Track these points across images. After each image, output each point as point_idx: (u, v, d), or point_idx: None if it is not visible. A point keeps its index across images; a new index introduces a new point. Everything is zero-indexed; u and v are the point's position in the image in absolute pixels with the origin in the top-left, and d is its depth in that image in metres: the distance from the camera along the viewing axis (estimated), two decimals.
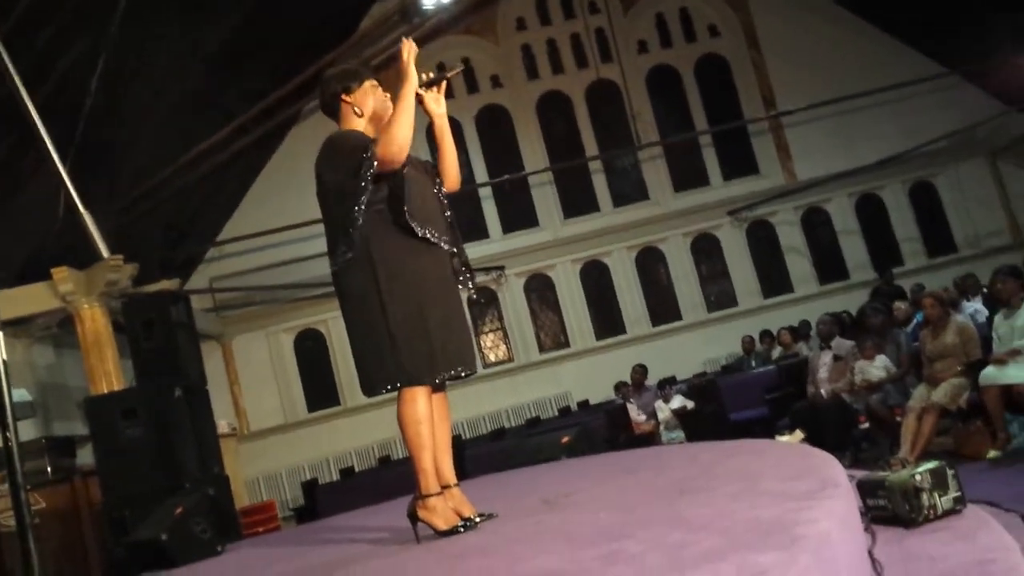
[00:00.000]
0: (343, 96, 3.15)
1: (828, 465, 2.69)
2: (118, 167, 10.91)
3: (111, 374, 9.53)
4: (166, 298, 6.82)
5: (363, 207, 2.93)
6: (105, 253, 1.97)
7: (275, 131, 13.29)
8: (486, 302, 15.17)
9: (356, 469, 12.35)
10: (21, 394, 6.14)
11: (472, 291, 3.27)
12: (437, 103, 3.21)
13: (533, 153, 15.41)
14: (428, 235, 3.02)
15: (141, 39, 9.62)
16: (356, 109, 3.14)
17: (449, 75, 3.24)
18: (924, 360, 6.37)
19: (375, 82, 3.20)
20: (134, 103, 10.73)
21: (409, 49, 3.07)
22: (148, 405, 5.93)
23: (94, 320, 9.69)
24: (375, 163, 2.91)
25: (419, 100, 3.14)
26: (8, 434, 1.55)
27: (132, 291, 9.79)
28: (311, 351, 14.89)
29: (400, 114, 2.96)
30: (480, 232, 15.24)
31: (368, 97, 3.16)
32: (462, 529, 2.91)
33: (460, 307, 3.18)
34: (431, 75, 3.19)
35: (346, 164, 2.95)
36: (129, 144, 11.04)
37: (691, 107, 15.76)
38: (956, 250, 15.35)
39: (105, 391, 8.76)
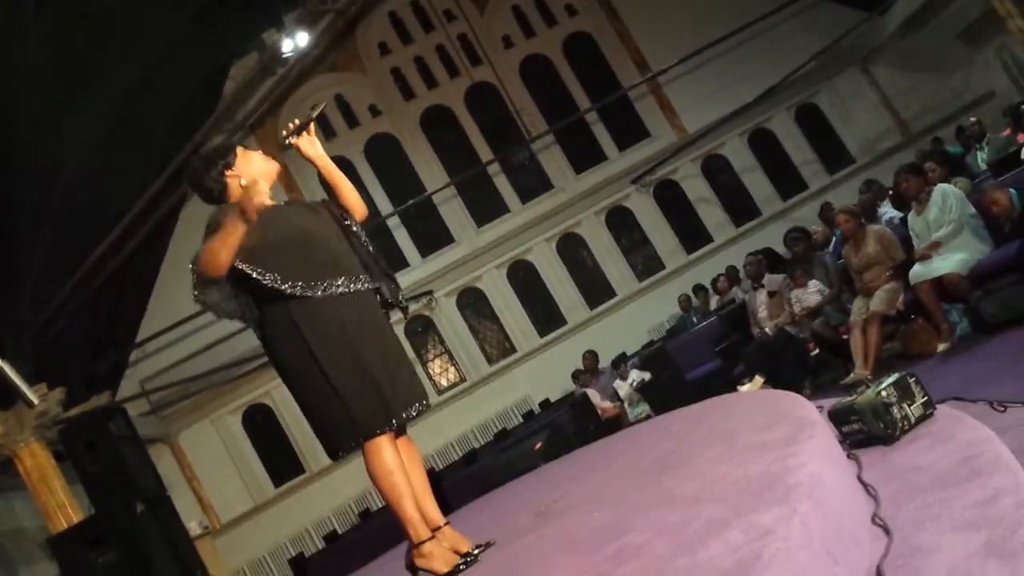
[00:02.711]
0: (226, 173, 3.02)
1: (797, 405, 2.72)
2: (16, 296, 10.53)
3: (65, 506, 9.16)
4: (101, 414, 6.56)
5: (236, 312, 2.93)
6: (34, 399, 1.87)
7: (166, 218, 13.00)
8: (423, 329, 15.09)
9: (339, 531, 12.13)
10: None
11: (405, 304, 3.17)
12: (311, 145, 3.12)
13: (430, 172, 15.39)
14: (340, 287, 2.91)
15: (9, 160, 9.31)
16: (241, 180, 2.99)
17: (314, 115, 3.16)
18: (853, 274, 6.51)
19: (242, 148, 3.10)
20: (16, 226, 10.37)
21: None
22: (112, 529, 5.72)
23: (34, 456, 9.30)
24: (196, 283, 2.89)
25: (296, 148, 3.09)
26: None
27: (65, 416, 9.44)
28: (262, 426, 14.58)
29: (218, 233, 2.81)
30: (399, 262, 15.15)
31: (249, 162, 3.05)
32: (464, 567, 2.85)
33: (397, 344, 3.09)
34: (295, 123, 3.11)
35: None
36: (22, 269, 10.66)
37: (570, 89, 15.93)
38: (854, 161, 15.81)
39: (64, 525, 8.39)
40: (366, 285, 3.00)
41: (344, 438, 2.90)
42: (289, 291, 2.84)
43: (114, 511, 5.84)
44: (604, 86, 15.66)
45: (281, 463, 14.41)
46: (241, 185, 2.98)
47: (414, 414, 2.98)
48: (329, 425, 2.91)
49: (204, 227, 2.95)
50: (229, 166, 3.02)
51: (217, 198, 3.06)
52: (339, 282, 2.92)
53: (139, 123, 12.20)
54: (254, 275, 2.84)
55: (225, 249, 2.78)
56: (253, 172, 3.03)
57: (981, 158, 9.02)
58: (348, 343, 2.88)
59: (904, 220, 6.59)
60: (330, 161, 3.16)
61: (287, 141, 3.09)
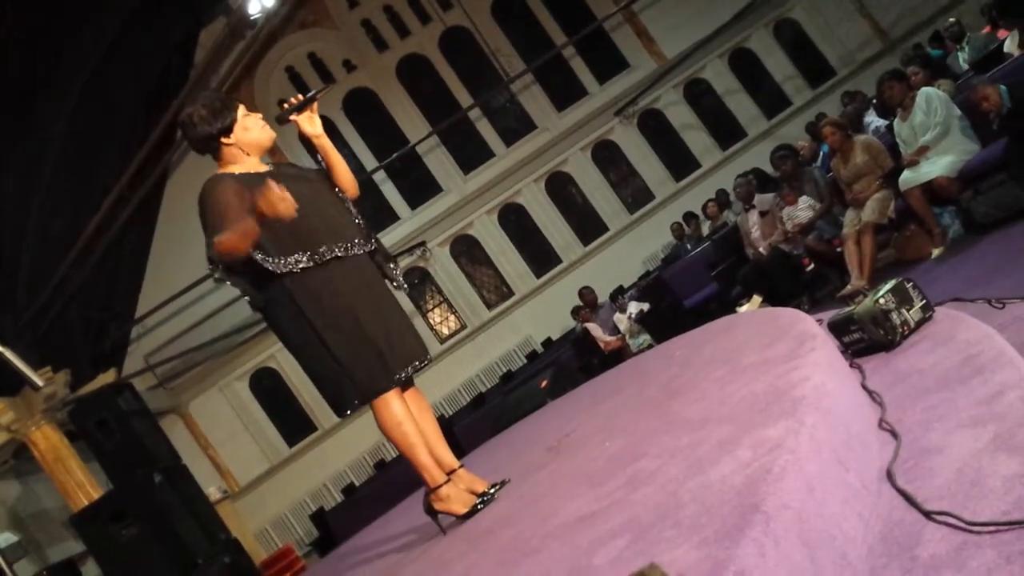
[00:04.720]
0: (223, 140, 2.96)
1: (797, 320, 2.74)
2: (12, 280, 10.51)
3: (84, 484, 9.30)
4: (109, 392, 6.59)
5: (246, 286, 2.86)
6: (40, 382, 1.88)
7: (153, 189, 12.92)
8: (420, 281, 15.11)
9: (356, 484, 12.31)
10: (7, 538, 5.93)
11: (402, 285, 3.17)
12: (311, 123, 3.06)
13: (411, 123, 15.25)
14: (337, 252, 2.92)
15: None
16: (243, 149, 2.97)
17: (319, 94, 3.11)
18: (843, 187, 6.50)
19: (244, 108, 3.04)
20: (3, 211, 10.30)
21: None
22: (133, 502, 5.79)
23: (47, 439, 9.42)
24: (219, 264, 2.80)
25: (295, 125, 3.05)
26: None
27: (73, 396, 9.52)
28: (270, 389, 14.69)
29: (233, 228, 2.74)
30: (389, 217, 15.12)
31: (247, 132, 3.00)
32: (481, 506, 2.91)
33: (394, 303, 3.11)
34: (298, 99, 3.05)
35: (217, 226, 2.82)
36: (14, 254, 10.63)
37: (544, 25, 15.70)
38: (835, 73, 15.67)
39: (85, 503, 8.52)
40: (361, 250, 3.02)
41: (349, 399, 2.94)
42: (283, 270, 2.83)
43: (133, 485, 5.91)
44: (579, 19, 15.45)
45: (293, 423, 14.55)
46: (244, 152, 2.98)
47: (411, 371, 3.02)
48: (333, 389, 2.95)
49: (196, 198, 2.91)
50: (227, 132, 2.96)
51: (207, 153, 3.04)
52: (332, 248, 2.91)
53: (115, 96, 12.05)
54: (258, 258, 2.80)
55: (245, 241, 2.74)
56: (249, 140, 3.00)
57: (962, 58, 8.95)
58: (343, 309, 2.90)
59: (890, 127, 6.56)
60: (328, 140, 3.12)
61: (287, 117, 3.04)
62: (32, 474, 10.51)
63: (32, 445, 9.46)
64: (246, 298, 2.92)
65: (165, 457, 6.35)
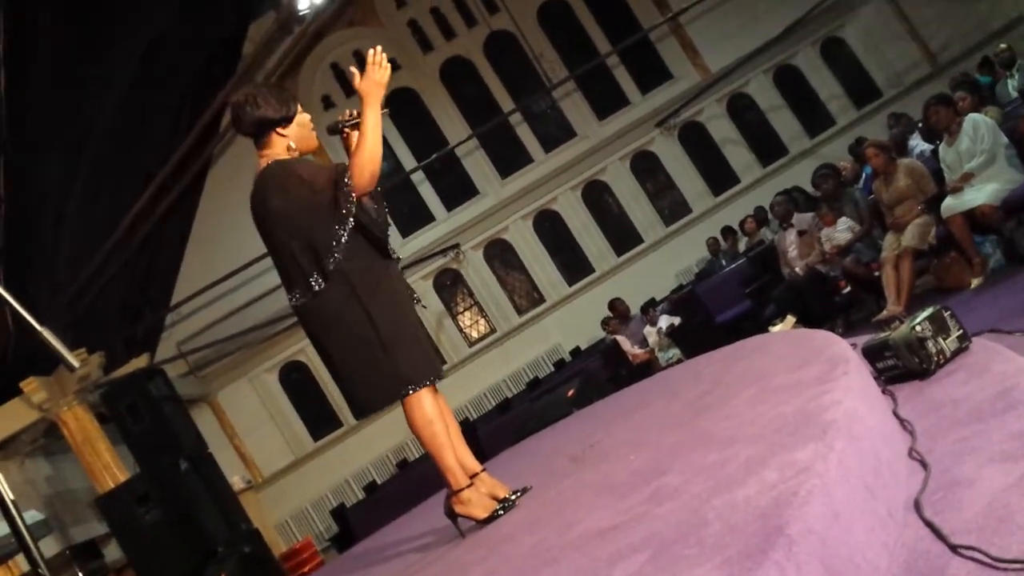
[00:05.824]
0: (279, 130, 2.98)
1: (831, 343, 2.71)
2: (53, 261, 10.69)
3: (111, 466, 9.43)
4: (141, 377, 6.69)
5: (343, 240, 2.84)
6: (75, 363, 1.90)
7: (194, 180, 13.09)
8: (452, 282, 15.15)
9: (378, 482, 12.35)
10: (32, 515, 6.03)
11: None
12: None
13: (452, 125, 15.30)
14: (393, 251, 3.03)
15: (35, 128, 9.38)
16: (291, 144, 2.99)
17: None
18: (884, 210, 6.42)
19: (303, 113, 3.05)
20: (47, 193, 10.48)
21: (375, 60, 2.89)
22: (158, 487, 5.87)
23: (77, 419, 9.56)
24: (353, 196, 2.80)
25: (345, 135, 3.06)
26: (41, 571, 1.52)
27: (106, 379, 9.65)
28: (298, 383, 14.79)
29: (369, 142, 2.83)
30: (425, 217, 15.17)
31: (302, 129, 3.03)
32: (502, 512, 2.91)
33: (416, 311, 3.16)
34: (355, 114, 3.02)
35: (313, 196, 2.83)
36: (56, 235, 10.81)
37: (590, 33, 15.69)
38: (881, 94, 15.49)
39: (111, 485, 8.64)
40: (397, 256, 3.11)
41: (386, 392, 2.95)
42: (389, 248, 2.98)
43: (159, 470, 5.99)
44: (624, 28, 15.40)
45: (319, 418, 14.64)
46: (289, 148, 3.00)
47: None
48: (369, 381, 2.94)
49: (237, 189, 2.95)
50: (288, 122, 2.98)
51: (249, 134, 3.03)
52: (392, 249, 3.03)
53: (162, 86, 12.21)
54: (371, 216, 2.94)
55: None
56: (301, 136, 3.03)
57: (1012, 86, 8.82)
58: (393, 299, 2.96)
59: (935, 152, 6.47)
60: None
61: (342, 127, 3.04)
62: (61, 454, 10.67)
63: (63, 425, 9.61)
64: (295, 291, 2.94)
65: (192, 444, 6.43)
